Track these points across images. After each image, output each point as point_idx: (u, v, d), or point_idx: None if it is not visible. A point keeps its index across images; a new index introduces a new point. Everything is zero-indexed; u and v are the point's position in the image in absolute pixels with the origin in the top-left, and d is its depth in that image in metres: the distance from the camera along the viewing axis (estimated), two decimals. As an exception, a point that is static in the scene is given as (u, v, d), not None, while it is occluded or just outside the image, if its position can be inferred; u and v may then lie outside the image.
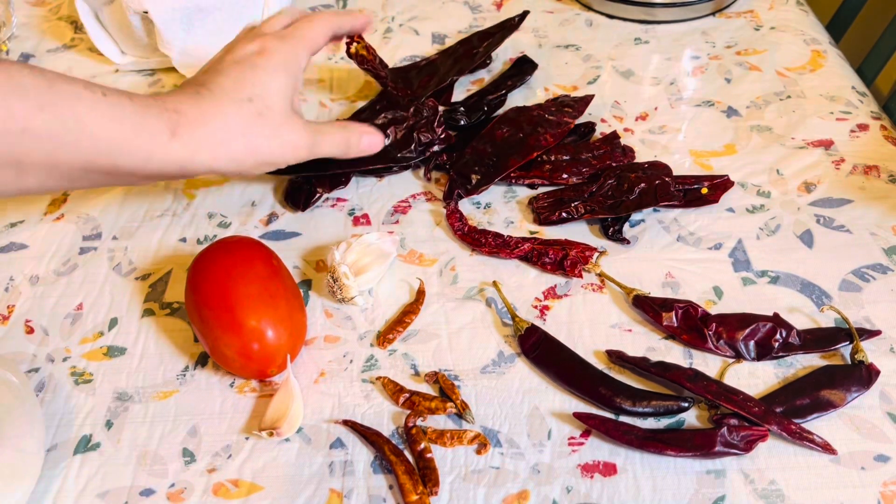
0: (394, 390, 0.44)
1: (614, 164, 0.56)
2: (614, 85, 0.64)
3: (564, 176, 0.55)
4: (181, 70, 0.65)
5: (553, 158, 0.56)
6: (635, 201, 0.52)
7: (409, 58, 0.68)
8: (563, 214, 0.53)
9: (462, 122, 0.60)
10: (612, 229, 0.52)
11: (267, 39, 0.48)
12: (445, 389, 0.44)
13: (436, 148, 0.57)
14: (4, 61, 0.38)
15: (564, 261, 0.50)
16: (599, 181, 0.54)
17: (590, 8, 0.73)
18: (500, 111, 0.61)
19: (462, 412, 0.43)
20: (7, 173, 0.38)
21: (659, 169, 0.55)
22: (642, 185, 0.53)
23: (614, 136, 0.58)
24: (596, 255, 0.51)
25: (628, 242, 0.51)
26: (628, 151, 0.57)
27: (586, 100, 0.60)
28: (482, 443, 0.41)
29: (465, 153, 0.57)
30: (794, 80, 0.64)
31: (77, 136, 0.38)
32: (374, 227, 0.54)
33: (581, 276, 0.50)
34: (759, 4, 0.73)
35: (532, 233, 0.53)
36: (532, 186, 0.56)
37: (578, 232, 0.53)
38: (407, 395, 0.43)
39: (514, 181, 0.56)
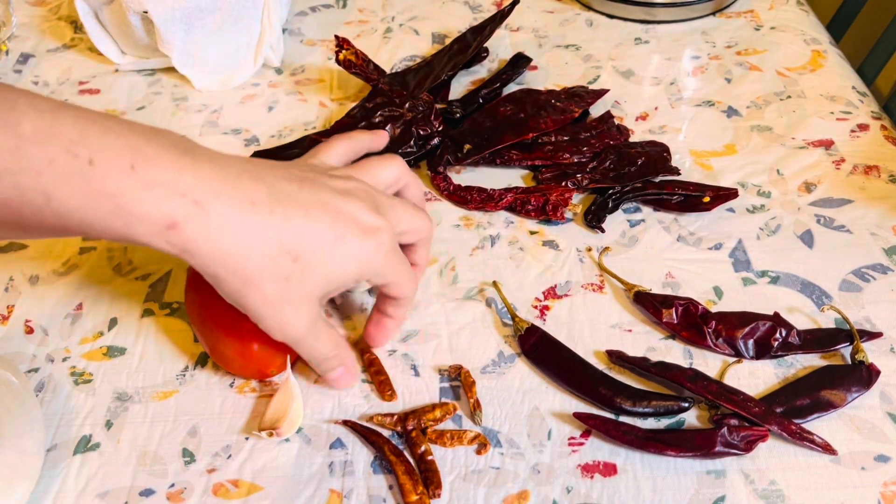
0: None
1: (612, 143, 0.57)
2: (614, 85, 0.64)
3: (566, 156, 0.56)
4: (181, 70, 0.65)
5: (554, 139, 0.57)
6: (637, 172, 0.54)
7: (410, 58, 0.68)
8: (569, 184, 0.54)
9: (458, 116, 0.60)
10: (591, 215, 0.53)
11: (384, 220, 0.39)
12: (466, 386, 0.43)
13: (435, 141, 0.57)
14: None
15: (546, 206, 0.52)
16: (601, 157, 0.56)
17: (590, 8, 0.73)
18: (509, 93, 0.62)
19: (473, 411, 0.42)
20: None
21: (657, 146, 0.57)
22: (642, 158, 0.55)
23: (608, 116, 0.59)
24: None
25: (602, 231, 0.52)
26: (623, 130, 0.58)
27: (599, 93, 0.61)
28: (482, 443, 0.41)
29: (465, 123, 0.59)
30: (794, 80, 0.64)
31: (40, 209, 0.32)
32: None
33: (563, 218, 0.52)
34: (759, 4, 0.73)
35: (532, 232, 0.53)
36: (534, 168, 0.57)
37: (572, 227, 0.53)
38: (409, 411, 0.43)
39: (516, 163, 0.57)
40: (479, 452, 0.41)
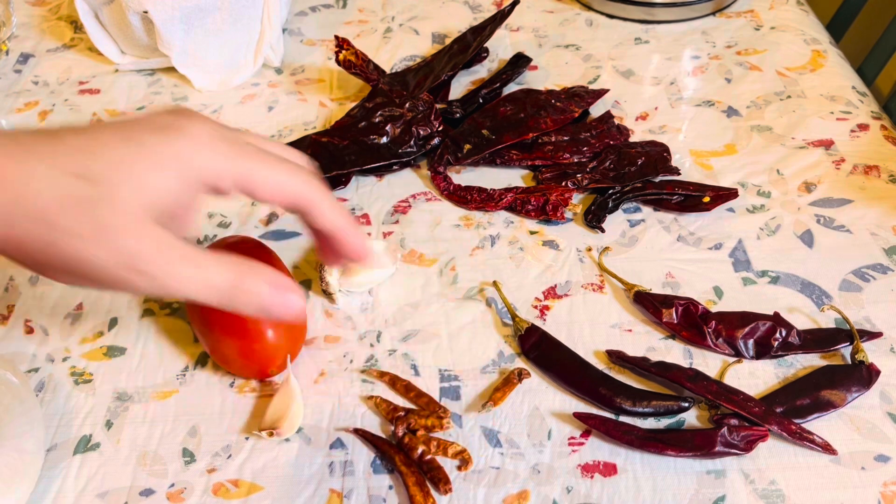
0: (387, 410, 0.43)
1: (612, 143, 0.57)
2: (614, 85, 0.64)
3: (566, 156, 0.56)
4: (181, 70, 0.65)
5: (554, 139, 0.57)
6: (637, 172, 0.54)
7: (410, 57, 0.68)
8: (569, 184, 0.54)
9: (458, 116, 0.60)
10: (591, 214, 0.52)
11: (194, 118, 0.32)
12: (504, 385, 0.44)
13: (435, 141, 0.57)
14: None
15: (546, 206, 0.52)
16: (601, 157, 0.56)
17: (590, 8, 0.73)
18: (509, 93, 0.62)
19: (485, 404, 0.42)
20: None
21: (657, 146, 0.57)
22: (642, 158, 0.55)
23: (608, 116, 0.59)
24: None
25: (603, 231, 0.52)
26: (623, 130, 0.58)
27: (599, 93, 0.61)
28: (465, 459, 0.41)
29: (465, 123, 0.59)
30: (794, 80, 0.64)
31: None
32: (375, 227, 0.54)
33: (563, 217, 0.52)
34: (759, 4, 0.73)
35: (532, 232, 0.53)
36: (534, 168, 0.57)
37: (572, 227, 0.53)
38: (402, 413, 0.43)
39: (516, 163, 0.57)
40: (459, 469, 0.40)
